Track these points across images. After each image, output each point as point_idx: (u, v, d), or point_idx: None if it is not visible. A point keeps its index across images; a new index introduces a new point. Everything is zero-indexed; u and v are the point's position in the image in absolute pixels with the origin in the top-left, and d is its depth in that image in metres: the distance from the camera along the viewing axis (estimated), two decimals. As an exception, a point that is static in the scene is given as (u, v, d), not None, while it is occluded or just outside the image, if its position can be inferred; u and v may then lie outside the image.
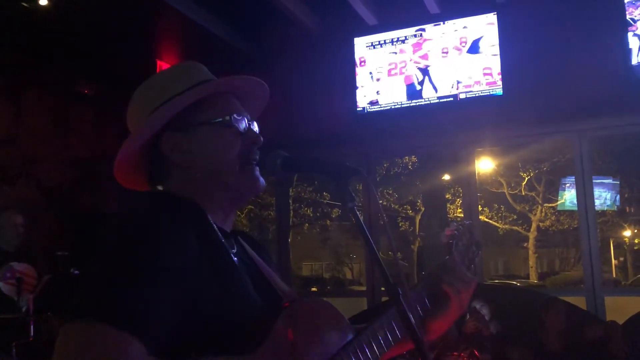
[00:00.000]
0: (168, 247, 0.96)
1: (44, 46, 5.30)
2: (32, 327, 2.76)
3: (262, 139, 1.19)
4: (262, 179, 1.19)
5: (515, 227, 16.80)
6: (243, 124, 1.17)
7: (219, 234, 1.12)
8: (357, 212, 1.11)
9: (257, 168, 1.18)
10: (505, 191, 15.79)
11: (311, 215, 16.48)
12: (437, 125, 5.16)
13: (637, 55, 4.58)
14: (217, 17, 5.25)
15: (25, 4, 4.54)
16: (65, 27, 5.03)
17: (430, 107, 5.14)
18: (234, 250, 1.15)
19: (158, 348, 0.88)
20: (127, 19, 5.06)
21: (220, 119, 1.15)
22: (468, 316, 4.07)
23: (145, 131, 1.14)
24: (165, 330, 0.90)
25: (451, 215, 14.71)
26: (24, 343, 2.66)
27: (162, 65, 5.74)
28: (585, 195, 4.86)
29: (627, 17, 4.60)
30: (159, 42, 5.71)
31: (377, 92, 5.35)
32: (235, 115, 1.16)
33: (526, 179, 15.49)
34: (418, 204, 16.14)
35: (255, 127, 1.22)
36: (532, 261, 17.11)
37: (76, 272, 3.84)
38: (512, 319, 4.29)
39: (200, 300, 0.97)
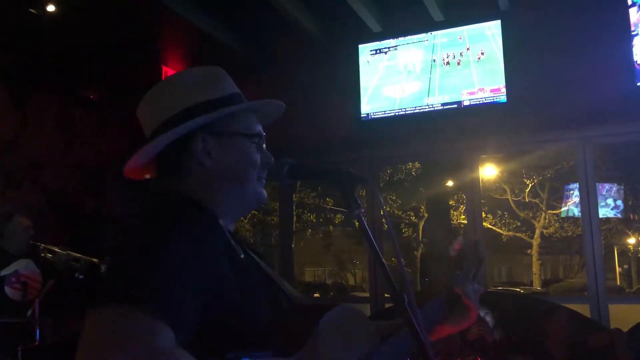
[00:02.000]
0: (194, 244, 0.98)
1: (50, 51, 5.34)
2: (37, 331, 2.78)
3: (273, 160, 1.27)
4: (265, 193, 1.26)
5: (519, 234, 16.79)
6: (264, 143, 1.26)
7: (230, 238, 1.15)
8: (363, 219, 1.13)
9: (264, 183, 1.26)
10: (509, 198, 15.79)
11: (314, 221, 16.49)
12: (440, 132, 5.17)
13: (641, 63, 4.58)
14: (222, 24, 5.28)
15: (32, 10, 4.58)
16: (72, 33, 5.07)
17: (433, 114, 5.16)
18: (242, 256, 1.18)
19: (185, 340, 0.90)
20: (132, 25, 5.09)
21: (252, 133, 1.23)
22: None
23: (180, 131, 1.16)
24: (194, 322, 0.92)
25: (455, 222, 14.71)
26: (29, 347, 2.68)
27: (168, 70, 5.77)
28: (589, 202, 4.86)
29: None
30: (164, 48, 5.75)
31: (381, 99, 5.36)
32: (262, 133, 1.25)
33: (530, 185, 15.48)
34: (421, 210, 16.14)
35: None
36: (535, 268, 17.08)
37: (80, 276, 3.86)
38: (516, 326, 4.28)
39: (224, 299, 0.99)
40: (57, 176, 5.81)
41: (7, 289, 3.43)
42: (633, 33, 4.59)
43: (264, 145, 1.25)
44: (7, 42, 5.08)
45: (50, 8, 4.63)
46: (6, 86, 5.46)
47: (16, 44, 5.13)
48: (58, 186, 5.80)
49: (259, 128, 1.26)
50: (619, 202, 12.19)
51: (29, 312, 3.28)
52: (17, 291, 3.44)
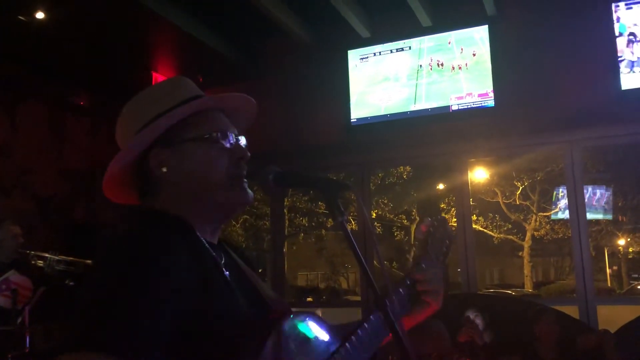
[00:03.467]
0: (160, 270, 0.97)
1: (40, 58, 5.35)
2: (27, 338, 2.77)
3: (249, 153, 1.21)
4: (250, 193, 1.21)
5: (510, 236, 16.84)
6: (230, 140, 1.19)
7: (209, 248, 1.14)
8: (346, 226, 1.14)
9: (245, 182, 1.20)
10: (500, 200, 15.85)
11: (306, 225, 16.48)
12: (430, 136, 5.21)
13: (627, 66, 4.64)
14: (211, 30, 5.30)
15: (22, 17, 4.58)
16: (62, 40, 5.07)
17: (422, 118, 5.20)
18: (223, 262, 1.17)
19: None
20: (122, 31, 5.10)
21: (207, 135, 1.17)
22: (462, 325, 4.09)
23: (132, 149, 1.16)
24: (160, 352, 0.92)
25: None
26: (19, 354, 2.67)
27: (158, 77, 5.78)
28: (577, 204, 4.90)
29: (617, 29, 4.68)
30: (155, 54, 5.75)
31: (370, 104, 5.40)
32: (221, 132, 1.18)
33: (520, 188, 15.55)
34: (413, 213, 16.18)
35: (243, 141, 1.24)
36: (527, 270, 17.14)
37: (71, 283, 3.85)
38: (506, 328, 4.31)
39: (193, 318, 0.98)
40: (48, 182, 5.80)
41: (-4, 297, 3.42)
42: (620, 59, 4.65)
43: (238, 142, 1.20)
44: (-4, 49, 5.08)
45: (40, 15, 4.63)
46: (-4, 93, 5.45)
47: (5, 50, 5.13)
48: (48, 192, 5.79)
49: (219, 127, 1.19)
50: (608, 204, 12.28)
51: (19, 320, 3.27)
52: (6, 299, 3.43)
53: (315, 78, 5.60)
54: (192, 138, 1.16)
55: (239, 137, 1.23)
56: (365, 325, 1.20)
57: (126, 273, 0.95)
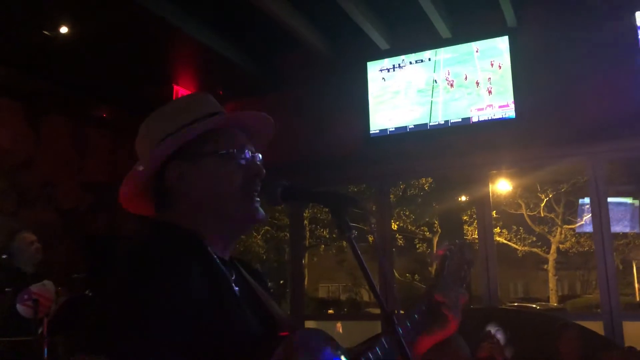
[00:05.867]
0: (170, 285, 0.98)
1: (64, 72, 5.45)
2: (45, 349, 2.80)
3: (264, 171, 1.23)
4: (261, 211, 1.22)
5: (534, 249, 16.58)
6: (246, 157, 1.21)
7: (220, 264, 1.15)
8: (354, 242, 1.14)
9: (258, 200, 1.21)
10: (524, 212, 15.64)
11: (327, 236, 16.44)
12: (450, 148, 5.17)
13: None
14: (231, 43, 5.35)
15: (46, 32, 4.68)
16: (85, 54, 5.16)
17: (443, 130, 5.16)
18: (233, 278, 1.18)
19: None
20: (144, 45, 5.18)
21: (224, 152, 1.19)
22: (482, 340, 4.02)
23: (151, 161, 1.18)
24: None
25: (468, 237, 14.59)
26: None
27: (179, 90, 5.85)
28: (600, 217, 4.81)
29: (640, 39, 4.60)
30: (176, 67, 5.83)
31: (390, 115, 5.38)
32: (238, 148, 1.21)
33: (545, 200, 15.33)
34: (435, 225, 16.04)
35: (259, 158, 1.26)
36: (552, 284, 16.83)
37: (91, 294, 3.89)
38: (528, 344, 4.23)
39: (202, 333, 0.98)
40: (70, 195, 5.89)
41: (18, 307, 3.46)
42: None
43: (254, 159, 1.23)
44: (21, 63, 5.19)
45: (64, 30, 4.73)
46: (21, 106, 5.57)
47: (30, 65, 5.24)
48: (70, 204, 5.88)
49: (237, 144, 1.21)
50: (635, 217, 12.01)
51: (39, 330, 3.31)
52: (28, 308, 3.47)
53: (334, 90, 5.61)
54: (210, 153, 1.19)
55: (255, 154, 1.25)
56: (377, 350, 1.19)
57: (136, 287, 0.97)
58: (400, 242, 15.75)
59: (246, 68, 5.58)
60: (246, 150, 1.22)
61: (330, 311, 14.77)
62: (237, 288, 1.16)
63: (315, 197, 1.21)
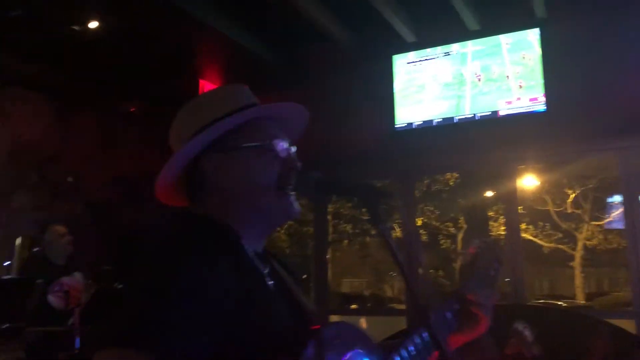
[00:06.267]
0: (203, 275, 0.97)
1: (92, 67, 5.52)
2: (77, 340, 2.85)
3: (300, 164, 1.22)
4: (296, 205, 1.21)
5: (560, 246, 16.34)
6: (282, 149, 1.20)
7: (253, 258, 1.14)
8: (388, 234, 1.12)
9: (293, 194, 1.20)
10: (550, 208, 15.40)
11: (350, 231, 16.42)
12: (476, 143, 5.10)
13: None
14: (256, 37, 5.36)
15: (75, 27, 4.74)
16: (113, 49, 5.22)
17: (469, 124, 5.10)
18: (267, 271, 1.17)
19: None
20: (171, 40, 5.22)
21: (260, 143, 1.18)
22: (510, 337, 3.98)
23: (187, 152, 1.17)
24: (198, 357, 0.92)
25: (494, 233, 14.44)
26: (69, 355, 2.75)
27: (205, 84, 5.88)
28: (632, 214, 4.70)
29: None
30: (202, 62, 5.86)
31: (416, 109, 5.33)
32: (274, 140, 1.19)
33: (572, 196, 15.08)
34: (460, 221, 15.90)
35: (294, 150, 1.24)
36: (578, 281, 16.57)
37: (120, 286, 3.94)
38: (556, 341, 4.16)
39: (234, 325, 0.98)
40: (99, 188, 5.98)
41: (50, 297, 3.52)
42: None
43: (289, 151, 1.21)
44: (50, 58, 5.27)
45: (92, 25, 4.79)
46: (50, 101, 5.66)
47: (59, 59, 5.32)
48: (99, 198, 5.96)
49: (274, 136, 1.20)
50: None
51: (70, 321, 3.37)
52: (59, 300, 3.53)
53: (359, 84, 5.57)
54: (245, 145, 1.18)
55: (290, 147, 1.24)
56: (410, 347, 1.18)
57: (170, 276, 0.96)
58: (424, 237, 15.67)
59: (271, 62, 5.59)
60: (282, 143, 1.21)
61: (354, 306, 14.73)
62: (271, 282, 1.16)
63: (349, 189, 1.19)
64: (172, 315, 0.92)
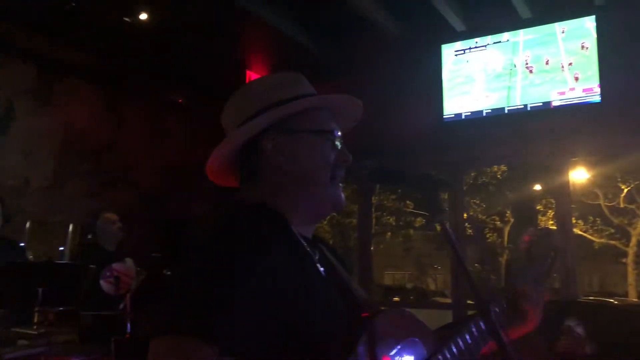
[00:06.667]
0: (257, 261, 0.97)
1: (142, 57, 5.62)
2: (128, 324, 2.91)
3: (351, 158, 1.22)
4: (343, 197, 1.21)
5: (612, 242, 15.83)
6: (339, 140, 1.21)
7: (304, 243, 1.13)
8: (447, 226, 1.09)
9: (341, 186, 1.21)
10: (602, 203, 14.92)
11: (394, 224, 16.32)
12: (527, 134, 4.96)
13: None
14: (302, 27, 5.35)
15: (127, 19, 4.84)
16: (162, 39, 5.30)
17: (520, 115, 4.96)
18: (317, 257, 1.17)
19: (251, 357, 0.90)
20: (218, 31, 5.26)
21: (322, 130, 1.19)
22: (562, 334, 3.87)
23: (250, 129, 1.18)
24: (252, 343, 0.92)
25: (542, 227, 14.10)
26: (121, 339, 2.81)
27: (251, 74, 5.91)
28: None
29: None
30: (248, 52, 5.89)
31: (465, 100, 5.22)
32: (336, 130, 1.21)
33: (625, 190, 14.56)
34: (507, 215, 15.59)
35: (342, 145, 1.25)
36: (631, 278, 16.03)
37: (168, 272, 4.01)
38: (611, 339, 4.03)
39: (288, 312, 0.97)
40: (148, 177, 6.10)
41: (102, 283, 3.62)
42: None
43: (340, 144, 1.22)
44: (102, 48, 5.39)
45: (143, 16, 4.87)
46: (101, 90, 5.80)
47: (110, 50, 5.44)
48: (148, 187, 6.09)
49: (333, 126, 1.22)
50: None
51: (121, 306, 3.44)
52: (110, 285, 3.61)
53: (407, 73, 5.49)
54: (308, 129, 1.18)
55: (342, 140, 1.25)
56: (467, 336, 1.15)
57: (224, 262, 0.96)
58: (469, 231, 15.44)
59: (317, 52, 5.57)
60: (338, 134, 1.22)
61: (396, 299, 14.67)
62: (322, 268, 1.15)
63: (405, 178, 1.17)
64: (230, 302, 0.91)
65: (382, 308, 1.17)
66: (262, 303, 0.94)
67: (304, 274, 1.05)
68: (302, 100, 1.19)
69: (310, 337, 0.98)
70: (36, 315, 3.01)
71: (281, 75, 1.28)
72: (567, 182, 5.17)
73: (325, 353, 0.98)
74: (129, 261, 3.69)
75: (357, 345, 0.99)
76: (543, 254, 1.36)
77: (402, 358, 1.06)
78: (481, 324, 1.16)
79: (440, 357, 1.10)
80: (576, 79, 4.76)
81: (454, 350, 1.12)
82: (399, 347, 1.06)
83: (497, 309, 1.26)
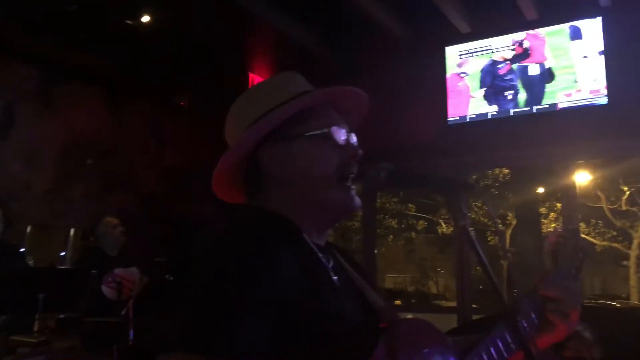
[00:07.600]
0: (266, 271, 0.93)
1: (144, 60, 5.58)
2: (131, 331, 2.87)
3: (361, 151, 1.15)
4: (357, 199, 1.14)
5: (614, 244, 15.81)
6: (342, 136, 1.14)
7: (316, 251, 1.09)
8: (470, 230, 1.05)
9: (353, 188, 1.13)
10: (604, 205, 14.90)
11: (396, 226, 16.28)
12: (532, 137, 4.92)
13: None
14: (306, 29, 5.31)
15: (129, 22, 4.80)
16: (164, 42, 5.27)
17: (525, 117, 4.92)
18: (331, 265, 1.11)
19: None
20: (221, 33, 5.23)
21: (319, 132, 1.12)
22: (569, 339, 3.82)
23: (243, 143, 1.13)
24: (262, 356, 0.88)
25: (544, 230, 14.07)
26: (124, 346, 2.77)
27: (255, 77, 5.87)
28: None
29: None
30: (252, 55, 5.86)
31: (469, 103, 5.18)
32: (333, 128, 1.13)
33: (627, 193, 14.54)
34: (509, 217, 15.55)
35: (354, 139, 1.18)
36: (633, 281, 16.00)
37: (171, 278, 3.97)
38: (618, 344, 3.97)
39: (299, 322, 0.93)
40: (149, 180, 6.06)
41: (103, 288, 3.57)
42: None
43: (349, 139, 1.15)
44: (104, 51, 5.36)
45: (145, 19, 4.83)
46: (103, 93, 5.76)
47: (112, 53, 5.40)
48: (150, 190, 6.04)
49: (332, 122, 1.14)
50: None
51: (123, 312, 3.40)
52: (112, 290, 3.57)
53: (411, 76, 5.45)
54: (303, 133, 1.12)
55: (351, 134, 1.17)
56: (491, 349, 1.09)
57: (232, 273, 0.91)
58: (471, 234, 15.39)
59: (322, 54, 5.53)
60: (341, 129, 1.14)
61: (398, 302, 14.62)
62: (335, 277, 1.10)
63: (425, 181, 1.12)
64: (240, 318, 0.87)
65: (401, 317, 1.12)
66: (273, 317, 0.90)
67: (315, 282, 1.01)
68: (287, 106, 1.12)
69: (324, 349, 0.94)
70: (37, 322, 2.96)
71: (272, 80, 1.23)
72: (574, 185, 5.13)
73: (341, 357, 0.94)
74: (134, 269, 3.65)
75: (372, 354, 0.95)
76: (571, 254, 1.27)
77: None
78: (507, 335, 1.10)
79: None
80: (581, 78, 4.72)
81: None
82: (417, 358, 1.02)
83: (524, 322, 1.16)
